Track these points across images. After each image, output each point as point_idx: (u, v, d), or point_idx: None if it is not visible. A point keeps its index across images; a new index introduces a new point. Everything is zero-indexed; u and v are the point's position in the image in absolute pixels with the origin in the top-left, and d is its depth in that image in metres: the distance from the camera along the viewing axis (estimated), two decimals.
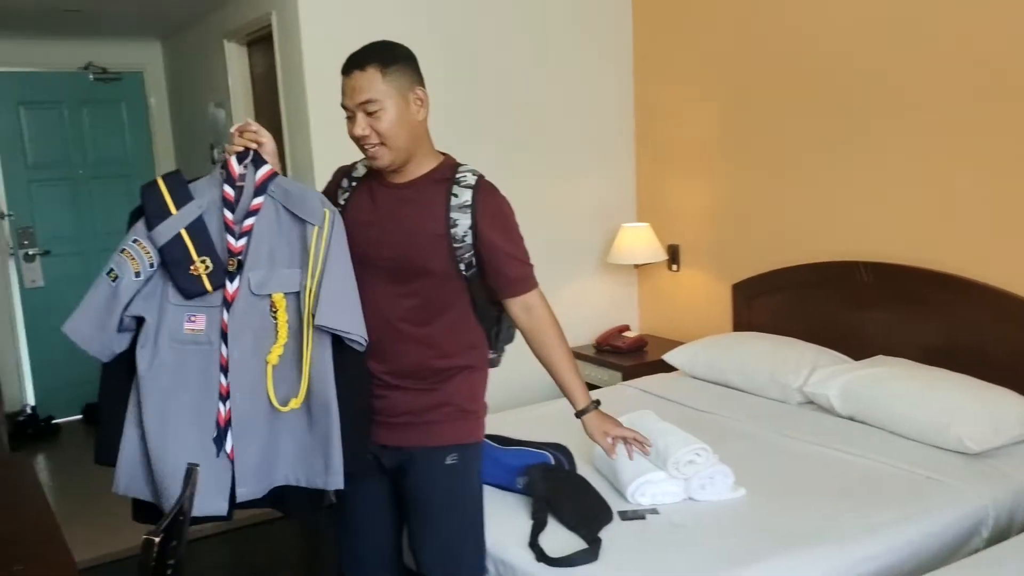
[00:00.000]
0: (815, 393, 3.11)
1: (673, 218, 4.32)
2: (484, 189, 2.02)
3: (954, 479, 2.51)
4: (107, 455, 2.03)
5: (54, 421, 5.35)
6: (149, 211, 1.97)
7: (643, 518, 2.33)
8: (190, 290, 1.95)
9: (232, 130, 2.03)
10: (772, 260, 3.80)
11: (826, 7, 3.47)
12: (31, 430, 5.19)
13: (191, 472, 1.83)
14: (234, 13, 4.32)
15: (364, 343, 1.98)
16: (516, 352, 4.36)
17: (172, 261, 1.94)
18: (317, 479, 1.98)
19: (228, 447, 1.97)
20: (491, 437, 2.71)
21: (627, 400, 3.38)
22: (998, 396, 2.78)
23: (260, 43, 4.26)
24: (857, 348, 3.34)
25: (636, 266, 4.44)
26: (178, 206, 1.95)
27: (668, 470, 2.42)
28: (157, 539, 1.49)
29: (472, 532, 2.15)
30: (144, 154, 5.70)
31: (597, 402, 2.22)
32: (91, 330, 1.99)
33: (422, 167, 2.04)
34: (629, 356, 4.12)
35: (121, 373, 2.00)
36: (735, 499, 2.43)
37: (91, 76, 5.46)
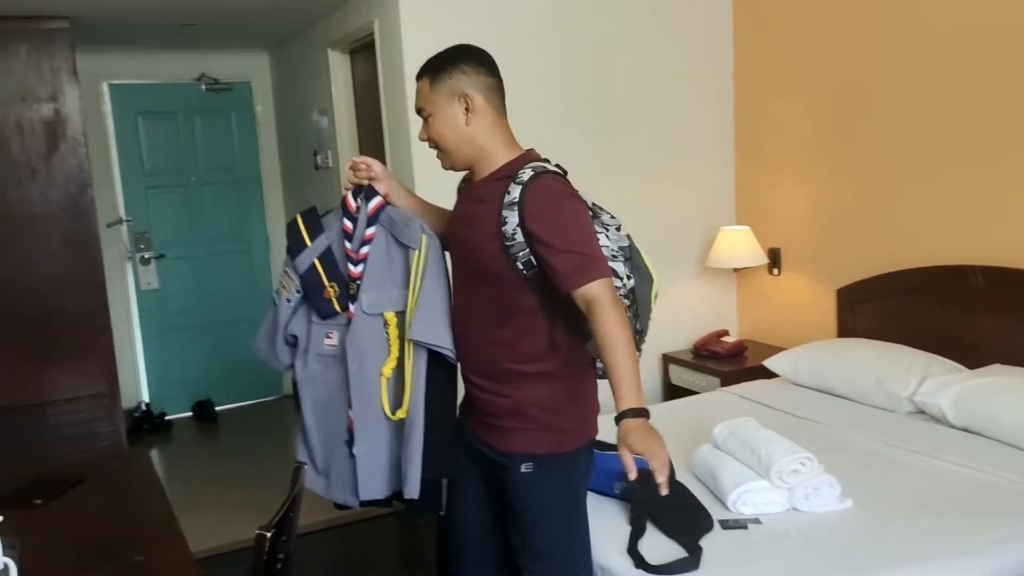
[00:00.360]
0: (926, 402, 3.00)
1: (774, 221, 4.23)
2: (533, 184, 1.94)
3: None
4: None
5: (167, 417, 5.60)
6: (291, 244, 2.26)
7: (745, 527, 2.29)
8: (325, 311, 2.23)
9: (346, 168, 2.20)
10: (878, 264, 3.68)
11: (933, 6, 3.34)
12: (146, 426, 5.45)
13: (297, 472, 1.89)
14: (338, 22, 4.44)
15: (454, 356, 2.09)
16: None
17: (309, 287, 2.23)
18: (403, 484, 2.11)
19: (355, 450, 2.17)
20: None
21: (727, 406, 3.33)
22: None
23: (363, 51, 4.37)
24: (969, 356, 3.20)
25: (735, 270, 4.36)
26: (312, 238, 2.23)
27: (771, 479, 2.37)
28: (269, 534, 1.55)
29: (560, 541, 2.08)
30: (251, 161, 5.92)
31: (644, 411, 1.84)
32: (266, 347, 2.36)
33: (493, 165, 2.04)
34: (728, 361, 4.06)
35: None
36: (841, 510, 2.36)
37: (203, 87, 5.70)
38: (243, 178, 5.86)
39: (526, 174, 1.96)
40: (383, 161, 4.09)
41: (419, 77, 2.04)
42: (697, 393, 3.90)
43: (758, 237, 4.19)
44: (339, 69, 4.64)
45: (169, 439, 5.41)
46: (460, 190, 2.22)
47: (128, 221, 5.54)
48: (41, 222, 4.23)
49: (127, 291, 5.58)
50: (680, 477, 2.57)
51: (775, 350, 3.93)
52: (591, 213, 2.06)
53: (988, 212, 3.24)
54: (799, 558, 2.13)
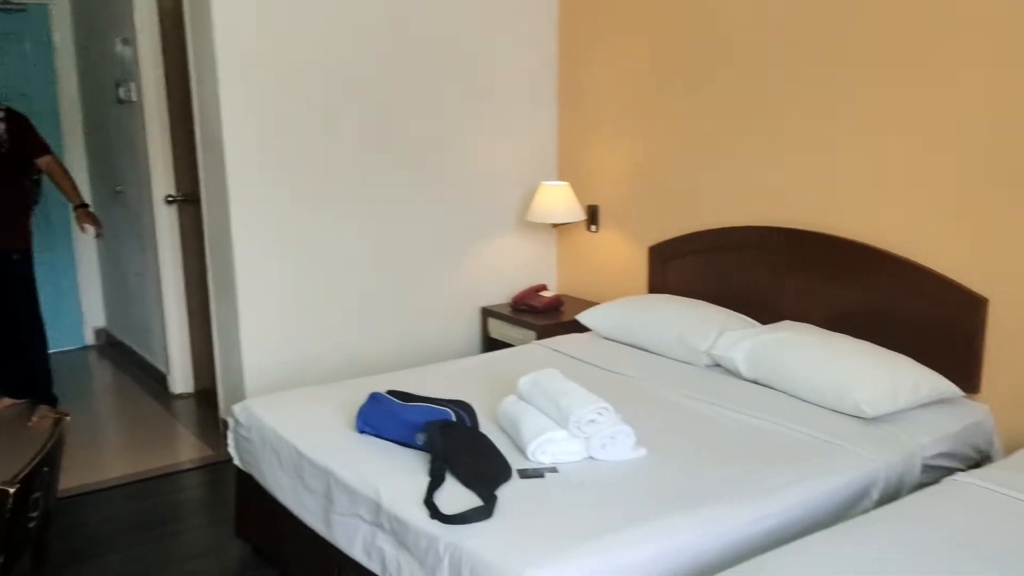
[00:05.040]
0: (721, 356, 3.13)
1: (593, 178, 4.29)
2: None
3: (851, 443, 2.54)
4: None
5: None
6: None
7: (542, 476, 2.31)
8: None
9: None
10: (687, 223, 3.80)
11: None
12: None
13: (57, 423, 1.73)
14: None
15: None
16: (414, 310, 4.21)
17: None
18: None
19: None
20: (393, 393, 2.66)
21: (538, 359, 3.36)
22: (897, 363, 2.83)
23: None
24: (767, 313, 3.37)
25: (554, 225, 4.40)
26: None
27: (569, 429, 2.40)
28: (12, 489, 1.40)
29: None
30: (48, 91, 5.41)
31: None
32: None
33: None
34: (545, 315, 4.10)
35: None
36: (636, 459, 2.42)
37: None
38: (39, 109, 5.31)
39: None
40: (187, 96, 3.82)
41: None
42: (511, 346, 3.93)
43: (578, 193, 4.23)
44: None
45: None
46: None
47: None
48: None
49: None
50: (485, 428, 2.57)
51: (591, 305, 4.00)
52: None
53: (791, 177, 3.39)
54: (592, 505, 2.16)
